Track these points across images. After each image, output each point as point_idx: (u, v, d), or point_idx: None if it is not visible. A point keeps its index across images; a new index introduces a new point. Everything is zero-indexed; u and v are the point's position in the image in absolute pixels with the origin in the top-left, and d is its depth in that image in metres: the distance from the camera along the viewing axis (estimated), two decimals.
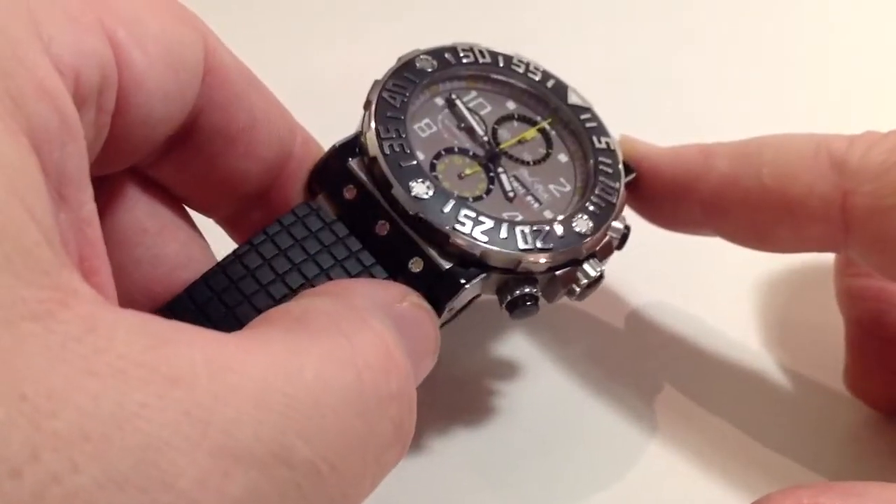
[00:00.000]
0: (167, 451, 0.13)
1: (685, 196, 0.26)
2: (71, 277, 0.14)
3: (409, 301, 0.21)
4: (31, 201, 0.14)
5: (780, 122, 0.26)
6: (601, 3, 0.42)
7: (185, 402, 0.14)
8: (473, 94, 0.26)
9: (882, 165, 0.23)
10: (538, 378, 0.28)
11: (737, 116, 0.36)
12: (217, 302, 0.21)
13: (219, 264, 0.22)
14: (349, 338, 0.17)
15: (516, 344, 0.29)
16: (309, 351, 0.16)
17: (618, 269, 0.26)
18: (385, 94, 0.24)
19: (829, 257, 0.28)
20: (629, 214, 0.27)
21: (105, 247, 0.17)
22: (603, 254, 0.24)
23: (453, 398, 0.27)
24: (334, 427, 0.16)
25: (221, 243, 0.24)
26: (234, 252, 0.22)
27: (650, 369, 0.28)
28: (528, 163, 0.25)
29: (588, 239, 0.23)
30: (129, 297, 0.21)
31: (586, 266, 0.24)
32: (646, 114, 0.35)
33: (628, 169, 0.26)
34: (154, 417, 0.13)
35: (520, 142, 0.25)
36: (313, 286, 0.21)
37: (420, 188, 0.22)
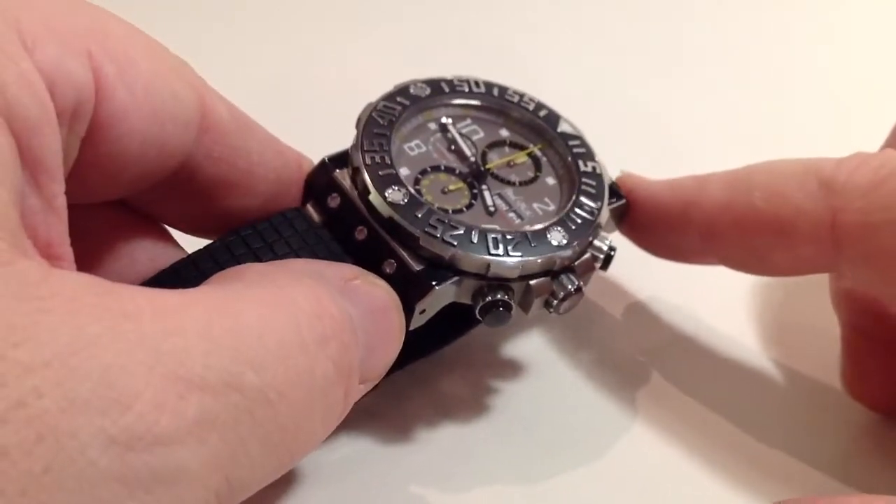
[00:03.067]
0: (123, 375, 0.14)
1: (682, 224, 0.26)
2: (27, 243, 0.16)
3: (362, 279, 0.22)
4: (1, 171, 0.15)
5: (769, 149, 0.27)
6: (593, 28, 0.43)
7: (136, 332, 0.15)
8: (468, 120, 0.27)
9: (870, 183, 0.23)
10: (533, 372, 0.28)
11: (728, 144, 0.36)
12: (201, 280, 0.22)
13: (206, 248, 0.23)
14: (282, 287, 0.18)
15: (515, 341, 0.29)
16: (247, 297, 0.18)
17: (617, 269, 0.26)
18: (374, 115, 0.25)
19: None
20: (620, 238, 0.28)
21: (69, 239, 0.18)
22: (582, 270, 0.25)
23: (451, 390, 0.27)
24: (279, 359, 0.17)
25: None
26: (222, 238, 0.23)
27: (648, 368, 0.28)
28: (513, 183, 0.26)
29: (561, 250, 0.24)
30: None
31: (563, 278, 0.24)
32: (636, 143, 0.35)
33: (618, 195, 0.27)
34: (108, 346, 0.14)
35: (509, 164, 0.26)
36: None
37: (396, 195, 0.24)
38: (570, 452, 0.26)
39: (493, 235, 0.23)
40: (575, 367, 0.28)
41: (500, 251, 0.23)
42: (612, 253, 0.25)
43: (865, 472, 0.26)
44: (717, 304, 0.30)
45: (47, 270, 0.15)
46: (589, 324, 0.30)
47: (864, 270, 0.23)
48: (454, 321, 0.27)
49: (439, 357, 0.27)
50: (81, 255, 0.18)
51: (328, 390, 0.19)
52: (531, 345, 0.29)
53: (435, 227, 0.23)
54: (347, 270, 0.22)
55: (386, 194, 0.23)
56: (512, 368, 0.28)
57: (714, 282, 0.30)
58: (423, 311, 0.23)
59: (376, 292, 0.22)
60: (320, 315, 0.19)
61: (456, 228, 0.23)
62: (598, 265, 0.25)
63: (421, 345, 0.25)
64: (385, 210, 0.23)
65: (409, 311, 0.23)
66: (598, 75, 0.40)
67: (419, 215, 0.23)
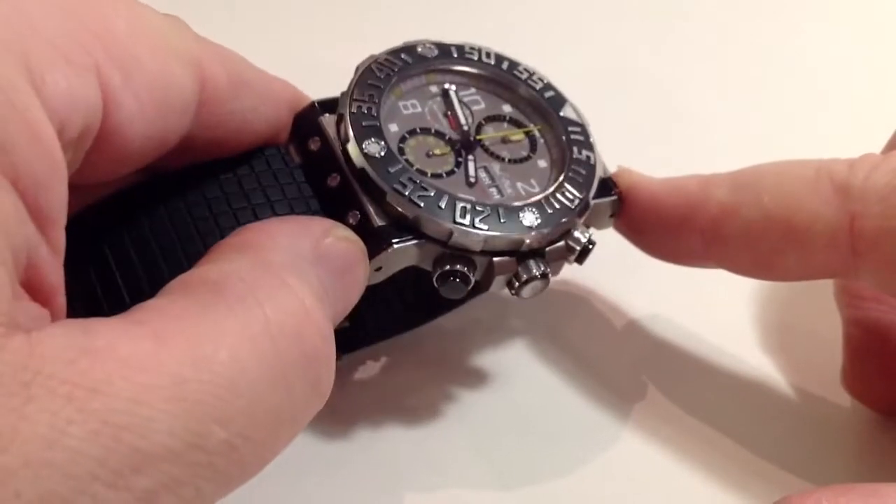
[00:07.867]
0: (85, 462, 0.14)
1: (684, 227, 0.25)
2: (17, 307, 0.15)
3: (333, 235, 0.21)
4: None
5: (775, 144, 0.26)
6: (601, 11, 0.42)
7: (103, 412, 0.15)
8: (472, 90, 0.27)
9: (888, 186, 0.22)
10: (518, 380, 0.28)
11: (733, 137, 0.35)
12: (159, 203, 0.22)
13: (173, 171, 0.23)
14: (263, 306, 0.18)
15: (512, 347, 0.29)
16: (223, 329, 0.17)
17: (615, 271, 0.26)
18: (373, 65, 0.25)
19: None
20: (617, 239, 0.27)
21: (62, 263, 0.18)
22: (553, 257, 0.24)
23: (445, 396, 0.27)
24: (249, 403, 0.17)
25: None
26: (193, 164, 0.23)
27: (646, 373, 0.28)
28: (503, 159, 0.25)
29: (531, 232, 0.23)
30: None
31: (529, 262, 0.24)
32: (643, 135, 0.35)
33: (610, 190, 0.26)
34: (76, 433, 0.14)
35: (504, 140, 0.26)
36: (256, 215, 0.23)
37: (373, 147, 0.23)
38: (567, 467, 0.26)
39: (463, 204, 0.23)
40: (573, 380, 0.28)
41: (467, 221, 0.23)
42: (591, 247, 0.25)
43: (866, 472, 0.25)
44: (713, 307, 0.29)
45: (29, 344, 0.15)
46: (588, 333, 0.29)
47: (885, 275, 0.23)
48: (417, 308, 0.27)
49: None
50: None
51: (299, 413, 0.18)
52: (516, 352, 0.28)
53: (404, 186, 0.23)
54: (318, 229, 0.21)
55: (363, 145, 0.23)
56: (498, 375, 0.28)
57: (711, 285, 0.29)
58: (379, 269, 0.23)
59: (348, 248, 0.21)
60: (303, 333, 0.18)
61: (426, 190, 0.23)
62: (572, 257, 0.25)
63: (379, 327, 0.27)
64: (359, 160, 0.23)
65: None
66: (608, 62, 0.39)
67: (392, 171, 0.23)
